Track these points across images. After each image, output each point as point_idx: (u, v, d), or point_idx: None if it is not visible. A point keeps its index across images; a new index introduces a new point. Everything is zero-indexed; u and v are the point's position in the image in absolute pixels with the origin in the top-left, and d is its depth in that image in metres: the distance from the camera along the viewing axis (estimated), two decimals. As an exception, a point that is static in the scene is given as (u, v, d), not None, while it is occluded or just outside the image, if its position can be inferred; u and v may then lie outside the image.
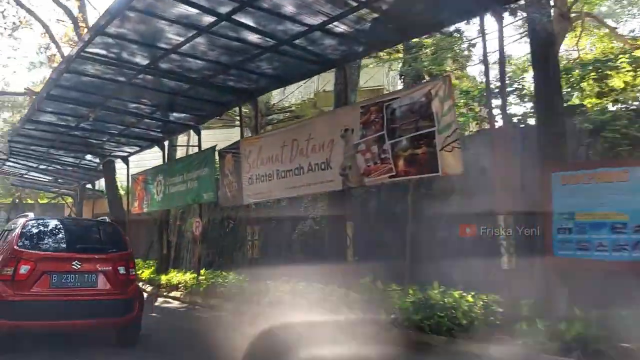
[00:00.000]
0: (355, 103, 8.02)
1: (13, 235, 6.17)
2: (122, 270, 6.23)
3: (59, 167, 18.71)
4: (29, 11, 14.77)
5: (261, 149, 9.58)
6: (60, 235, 6.47)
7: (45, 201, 31.07)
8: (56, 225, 6.63)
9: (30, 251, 5.98)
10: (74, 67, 8.68)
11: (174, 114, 11.84)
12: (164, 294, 12.31)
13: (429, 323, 6.44)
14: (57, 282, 5.84)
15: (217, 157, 11.44)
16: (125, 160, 16.07)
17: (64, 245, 6.36)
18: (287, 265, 11.61)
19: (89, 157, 16.77)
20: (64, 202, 26.69)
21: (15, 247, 5.91)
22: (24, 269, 5.70)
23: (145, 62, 8.55)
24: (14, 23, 15.93)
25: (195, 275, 11.97)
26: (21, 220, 6.56)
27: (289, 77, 9.33)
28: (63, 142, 14.70)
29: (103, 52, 8.13)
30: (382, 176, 7.26)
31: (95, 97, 10.45)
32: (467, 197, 8.43)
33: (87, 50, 7.92)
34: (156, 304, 11.52)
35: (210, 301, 10.38)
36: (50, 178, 21.23)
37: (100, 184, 21.14)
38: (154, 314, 10.00)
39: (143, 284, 13.93)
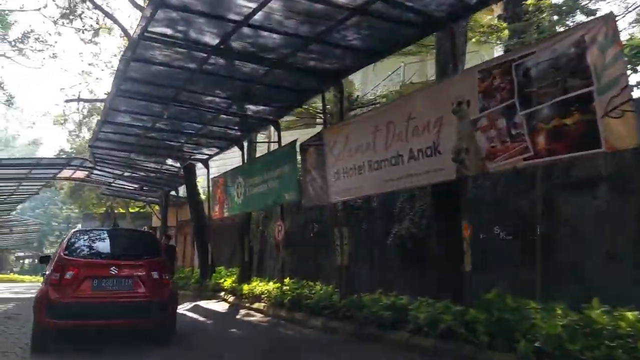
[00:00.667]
0: (470, 68, 6.32)
1: (62, 244, 6.96)
2: (155, 275, 6.71)
3: (142, 173, 18.56)
4: (107, 14, 14.57)
5: (348, 137, 8.13)
6: (102, 244, 7.25)
7: (135, 210, 31.94)
8: (99, 235, 7.65)
9: (75, 258, 6.63)
10: (141, 53, 7.78)
11: (251, 107, 10.74)
12: (247, 305, 11.22)
13: (594, 355, 4.61)
14: (98, 286, 6.41)
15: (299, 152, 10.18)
16: (205, 163, 15.38)
17: (104, 253, 7.06)
18: (382, 274, 10.08)
19: (169, 161, 16.33)
20: (151, 210, 27.04)
21: (62, 255, 6.61)
22: (69, 274, 6.31)
23: (215, 41, 7.45)
24: (91, 26, 15.90)
25: (279, 285, 10.76)
26: (71, 232, 7.57)
27: (381, 49, 7.80)
28: (142, 146, 14.25)
29: (168, 30, 7.12)
30: (514, 159, 5.49)
31: (167, 91, 9.59)
32: (624, 187, 6.42)
33: (150, 29, 6.94)
34: (238, 316, 10.44)
35: (295, 315, 9.08)
36: (135, 186, 21.31)
37: (184, 190, 20.89)
38: (233, 330, 8.87)
39: (225, 294, 13.02)
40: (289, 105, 10.63)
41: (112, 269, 6.47)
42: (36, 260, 36.03)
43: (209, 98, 10.17)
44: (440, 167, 6.36)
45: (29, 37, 14.77)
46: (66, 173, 20.30)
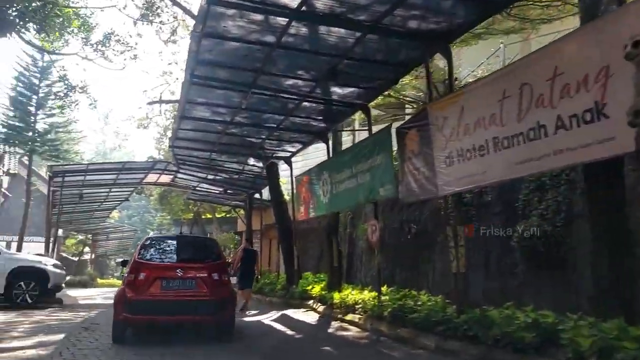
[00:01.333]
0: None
1: (136, 249, 7.76)
2: (216, 276, 7.31)
3: (225, 175, 17.98)
4: (184, 10, 13.99)
5: (464, 111, 6.48)
6: (170, 249, 7.87)
7: (221, 215, 31.97)
8: (167, 241, 8.36)
9: (146, 262, 7.37)
10: (212, 26, 6.71)
11: (337, 91, 9.42)
12: (339, 316, 9.87)
13: None
14: (166, 286, 7.06)
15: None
16: (287, 161, 14.33)
17: (171, 257, 7.68)
18: (502, 282, 8.26)
19: (251, 161, 15.49)
20: (237, 214, 26.65)
21: (136, 259, 7.38)
22: (142, 275, 7.03)
23: (294, 2, 6.18)
24: (168, 20, 15.48)
25: (376, 294, 9.29)
26: (144, 238, 8.43)
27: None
28: (223, 145, 13.49)
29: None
30: None
31: (245, 75, 8.54)
32: None
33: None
34: (330, 330, 9.10)
35: (399, 331, 7.55)
36: (219, 189, 20.87)
37: (268, 192, 20.12)
38: (327, 347, 7.52)
39: (314, 303, 11.78)
40: (382, 84, 9.12)
41: (178, 270, 7.17)
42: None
43: (291, 81, 8.99)
44: (609, 136, 4.56)
45: (110, 38, 14.54)
46: (152, 178, 20.34)
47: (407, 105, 14.57)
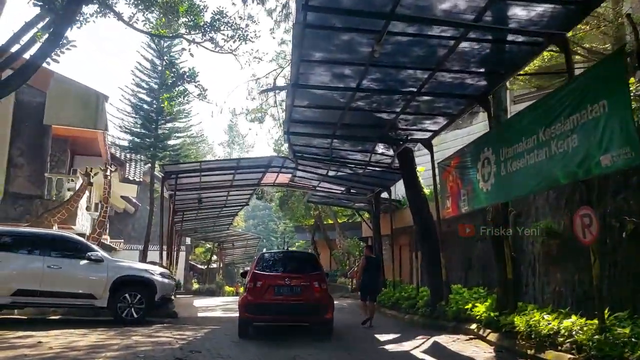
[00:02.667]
0: None
1: (253, 263, 9.83)
2: (316, 284, 8.81)
3: (348, 170, 15.46)
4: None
5: None
6: (279, 262, 9.78)
7: (343, 220, 29.76)
8: (277, 256, 10.75)
9: (261, 272, 9.06)
10: None
11: (519, 13, 6.26)
12: (529, 352, 6.63)
13: None
14: (277, 292, 8.67)
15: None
16: (427, 144, 11.35)
17: (280, 268, 9.40)
18: None
19: (380, 148, 12.75)
20: (361, 218, 24.07)
21: (254, 270, 9.13)
22: (258, 283, 8.76)
23: None
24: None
25: (593, 321, 5.95)
26: (259, 254, 10.83)
27: None
28: (345, 127, 10.97)
29: None
30: None
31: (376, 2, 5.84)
32: None
33: None
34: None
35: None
36: (342, 189, 18.43)
37: (397, 190, 17.21)
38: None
39: (478, 328, 8.62)
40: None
41: (286, 280, 8.73)
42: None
43: (447, 4, 6.07)
44: None
45: (221, 21, 12.85)
46: (270, 178, 18.61)
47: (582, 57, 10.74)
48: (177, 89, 14.72)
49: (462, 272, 13.77)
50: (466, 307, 9.55)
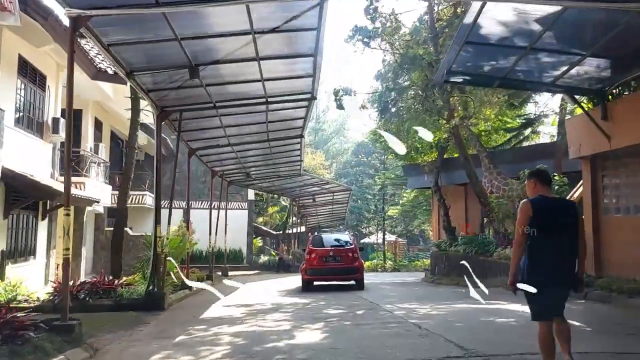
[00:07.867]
0: None
1: (309, 241, 15.83)
2: (351, 254, 14.12)
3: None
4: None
5: None
6: (326, 240, 15.33)
7: (493, 144, 19.55)
8: (324, 235, 16.18)
9: (314, 248, 14.59)
10: None
11: None
12: None
13: None
14: (325, 260, 14.12)
15: None
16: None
17: (326, 244, 14.85)
18: None
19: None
20: (578, 109, 11.95)
21: (309, 247, 14.88)
22: (313, 255, 14.29)
23: None
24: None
25: None
26: (311, 236, 17.16)
27: None
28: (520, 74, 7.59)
29: None
30: None
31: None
32: None
33: None
34: None
35: None
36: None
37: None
38: None
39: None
40: None
41: (330, 252, 14.24)
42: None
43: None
44: None
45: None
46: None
47: None
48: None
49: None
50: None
